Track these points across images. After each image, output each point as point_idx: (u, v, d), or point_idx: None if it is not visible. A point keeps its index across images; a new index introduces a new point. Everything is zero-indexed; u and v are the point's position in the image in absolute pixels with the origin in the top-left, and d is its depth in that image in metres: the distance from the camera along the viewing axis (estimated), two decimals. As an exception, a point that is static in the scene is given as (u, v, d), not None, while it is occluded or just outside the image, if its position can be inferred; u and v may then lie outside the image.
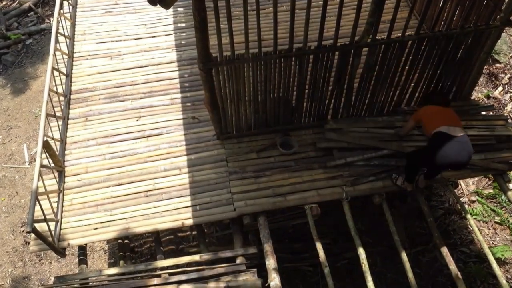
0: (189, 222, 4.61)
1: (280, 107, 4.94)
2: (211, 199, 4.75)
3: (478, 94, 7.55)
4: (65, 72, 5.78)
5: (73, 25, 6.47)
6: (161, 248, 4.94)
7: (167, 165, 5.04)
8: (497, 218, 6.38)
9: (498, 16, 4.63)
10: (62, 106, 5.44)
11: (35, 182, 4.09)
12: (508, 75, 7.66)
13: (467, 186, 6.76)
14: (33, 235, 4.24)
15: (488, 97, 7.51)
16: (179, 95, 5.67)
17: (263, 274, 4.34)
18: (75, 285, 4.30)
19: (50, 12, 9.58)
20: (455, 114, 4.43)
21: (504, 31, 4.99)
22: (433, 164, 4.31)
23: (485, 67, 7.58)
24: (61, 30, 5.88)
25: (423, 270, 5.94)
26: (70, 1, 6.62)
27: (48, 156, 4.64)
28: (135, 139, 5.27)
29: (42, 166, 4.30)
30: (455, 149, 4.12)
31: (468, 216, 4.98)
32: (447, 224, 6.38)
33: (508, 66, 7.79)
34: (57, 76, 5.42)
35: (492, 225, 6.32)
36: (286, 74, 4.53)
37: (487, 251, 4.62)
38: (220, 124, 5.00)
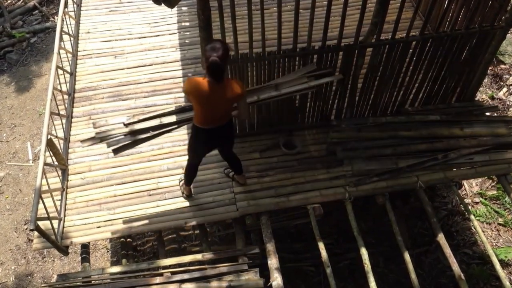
0: (192, 221, 4.61)
1: (283, 107, 4.93)
2: (214, 199, 4.75)
3: (482, 95, 7.52)
4: (69, 70, 5.79)
5: (77, 24, 6.49)
6: (164, 247, 4.95)
7: (170, 164, 5.04)
8: (500, 220, 6.35)
9: (503, 17, 4.62)
10: (66, 105, 5.45)
11: (39, 180, 4.09)
12: (513, 76, 7.64)
13: (471, 187, 6.74)
14: (36, 233, 4.26)
15: (492, 98, 7.49)
16: (183, 94, 5.67)
17: (265, 273, 4.33)
18: (78, 283, 4.31)
19: (54, 11, 9.59)
20: (229, 103, 3.63)
21: (509, 32, 4.96)
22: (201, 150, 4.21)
23: (490, 68, 7.55)
24: (65, 29, 5.88)
25: (425, 271, 5.93)
26: (74, 0, 6.63)
27: (51, 154, 4.66)
28: (139, 138, 5.27)
29: (45, 164, 4.31)
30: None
31: (472, 217, 4.95)
32: (450, 225, 6.37)
33: (513, 67, 7.76)
34: (61, 74, 5.43)
35: (495, 227, 6.30)
36: (289, 74, 4.53)
37: (490, 252, 4.60)
38: (224, 123, 4.99)
